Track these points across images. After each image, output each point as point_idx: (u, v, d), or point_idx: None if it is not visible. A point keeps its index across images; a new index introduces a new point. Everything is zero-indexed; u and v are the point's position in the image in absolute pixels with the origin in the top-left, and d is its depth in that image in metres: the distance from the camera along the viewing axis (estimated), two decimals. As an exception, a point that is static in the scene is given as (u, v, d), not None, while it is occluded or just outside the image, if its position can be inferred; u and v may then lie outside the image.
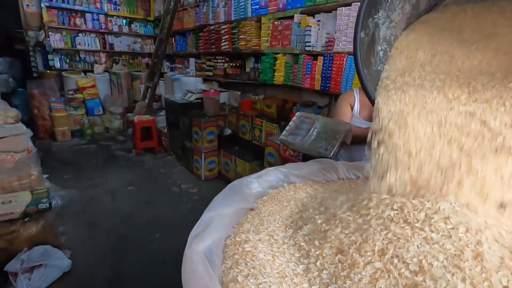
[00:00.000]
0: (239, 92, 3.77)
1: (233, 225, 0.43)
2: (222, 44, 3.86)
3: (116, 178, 3.37)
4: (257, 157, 3.18)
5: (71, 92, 4.83)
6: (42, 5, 4.80)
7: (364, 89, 0.62)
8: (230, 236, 0.42)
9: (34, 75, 5.03)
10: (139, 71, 5.77)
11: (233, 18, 3.68)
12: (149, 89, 4.70)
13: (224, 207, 0.45)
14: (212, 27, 4.06)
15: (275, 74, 3.08)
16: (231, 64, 3.95)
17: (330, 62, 2.46)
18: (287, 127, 1.11)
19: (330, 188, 0.51)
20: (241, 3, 3.48)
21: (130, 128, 4.65)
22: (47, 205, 1.89)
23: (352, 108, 1.58)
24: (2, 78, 4.51)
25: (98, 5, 5.29)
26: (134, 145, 4.27)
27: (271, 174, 0.58)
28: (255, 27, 3.32)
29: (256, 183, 0.54)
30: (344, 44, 2.34)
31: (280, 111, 3.09)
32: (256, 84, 3.54)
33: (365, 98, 1.66)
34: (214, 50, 4.09)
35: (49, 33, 4.92)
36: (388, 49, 0.69)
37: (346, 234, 0.40)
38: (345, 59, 2.35)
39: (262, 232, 0.43)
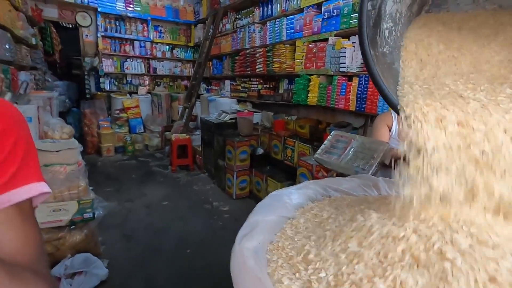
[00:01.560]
0: (272, 113, 3.83)
1: (275, 232, 0.44)
2: (257, 66, 4.01)
3: (152, 193, 3.52)
4: (289, 177, 3.15)
5: (117, 112, 5.26)
6: (98, 35, 5.41)
7: (371, 73, 0.53)
8: (272, 241, 0.42)
9: (87, 96, 5.59)
10: (178, 93, 6.14)
11: (268, 42, 3.82)
12: (187, 110, 4.96)
13: (266, 214, 0.46)
14: (247, 51, 4.25)
15: (308, 95, 3.10)
16: (265, 85, 4.06)
17: (366, 82, 2.43)
18: (322, 146, 1.10)
19: (371, 206, 0.49)
20: (276, 28, 3.62)
21: (168, 146, 4.89)
22: (91, 215, 2.02)
23: (390, 129, 1.54)
24: (61, 99, 5.05)
25: (145, 33, 5.83)
26: (170, 162, 4.46)
27: (310, 187, 0.58)
28: (290, 50, 3.41)
29: (296, 194, 0.54)
30: (380, 64, 2.31)
31: (313, 132, 3.07)
32: (289, 105, 3.58)
33: None
34: (249, 72, 4.25)
35: (103, 59, 5.48)
36: (393, 28, 0.62)
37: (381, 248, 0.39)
38: (381, 79, 2.30)
39: (303, 239, 0.43)
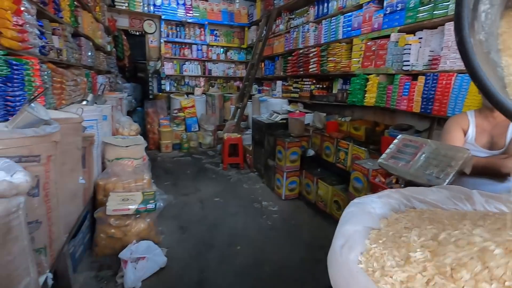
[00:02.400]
0: (324, 114, 3.72)
1: (365, 243, 0.42)
2: (310, 66, 3.93)
3: (205, 188, 3.70)
4: (341, 181, 3.03)
5: (175, 111, 5.65)
6: (161, 40, 5.87)
7: (469, 66, 0.45)
8: (362, 252, 0.41)
9: (150, 96, 6.11)
10: (231, 93, 6.35)
11: (322, 41, 3.72)
12: (238, 110, 5.10)
13: (355, 224, 0.44)
14: (301, 51, 4.19)
15: (365, 95, 2.94)
16: (317, 86, 3.96)
17: (434, 81, 2.21)
18: (387, 150, 1.02)
19: (476, 223, 0.43)
20: (332, 26, 3.50)
21: (220, 144, 5.09)
22: (153, 205, 2.20)
23: (465, 134, 1.37)
24: (128, 99, 5.61)
25: (202, 37, 6.15)
26: (221, 160, 4.64)
27: (393, 196, 0.54)
28: (346, 48, 3.28)
29: (379, 203, 0.51)
30: (452, 61, 2.08)
31: (370, 134, 2.90)
32: (343, 105, 3.45)
33: (484, 122, 1.42)
34: (301, 72, 4.19)
35: (164, 62, 5.93)
36: (489, 10, 0.52)
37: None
38: (453, 78, 2.07)
39: (393, 249, 0.40)
